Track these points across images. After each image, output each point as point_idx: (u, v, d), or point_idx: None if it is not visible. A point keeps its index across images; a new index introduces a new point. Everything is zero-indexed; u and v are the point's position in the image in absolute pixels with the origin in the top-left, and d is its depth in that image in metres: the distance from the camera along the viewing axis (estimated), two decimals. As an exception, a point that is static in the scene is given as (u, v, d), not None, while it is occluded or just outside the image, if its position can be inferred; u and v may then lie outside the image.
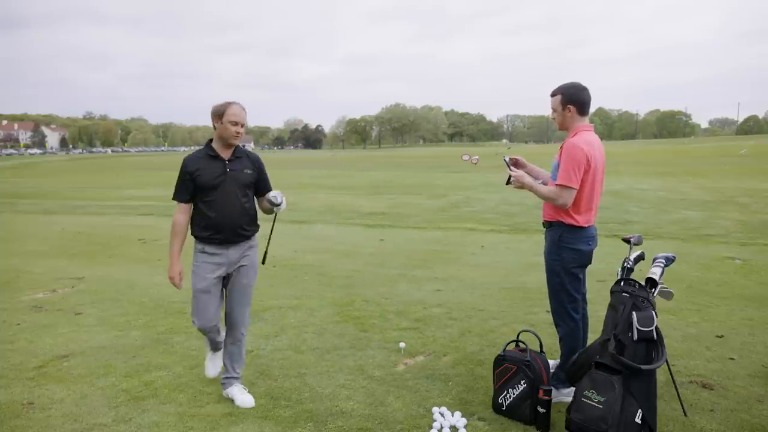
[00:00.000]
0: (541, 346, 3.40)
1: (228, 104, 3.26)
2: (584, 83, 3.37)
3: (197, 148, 3.52)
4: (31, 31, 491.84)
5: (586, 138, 3.29)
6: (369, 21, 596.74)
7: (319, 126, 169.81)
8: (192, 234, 3.33)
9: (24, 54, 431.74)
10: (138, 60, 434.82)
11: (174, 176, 3.36)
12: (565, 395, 3.39)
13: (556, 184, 3.25)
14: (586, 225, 3.32)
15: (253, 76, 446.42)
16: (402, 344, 4.25)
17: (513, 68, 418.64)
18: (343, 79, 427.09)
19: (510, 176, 3.46)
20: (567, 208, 3.26)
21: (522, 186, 3.42)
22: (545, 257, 3.48)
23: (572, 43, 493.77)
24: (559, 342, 3.53)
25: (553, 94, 3.40)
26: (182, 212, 3.33)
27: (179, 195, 3.30)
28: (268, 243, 3.53)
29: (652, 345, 2.90)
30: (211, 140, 3.35)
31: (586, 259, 3.38)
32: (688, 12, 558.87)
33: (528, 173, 3.58)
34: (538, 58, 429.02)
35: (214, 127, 3.28)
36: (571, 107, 3.32)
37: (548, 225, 3.44)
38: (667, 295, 3.26)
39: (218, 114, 3.25)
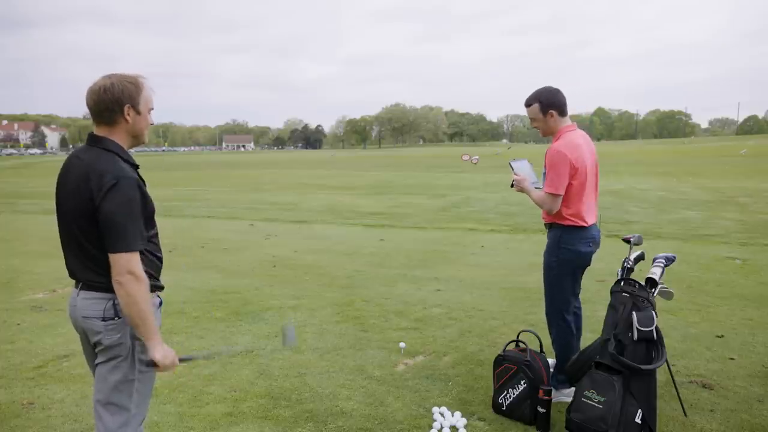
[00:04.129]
0: (541, 346, 3.40)
1: (142, 79, 2.11)
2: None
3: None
4: (35, 32, 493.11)
5: (569, 140, 3.28)
6: (374, 21, 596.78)
7: (319, 126, 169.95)
8: None
9: (28, 54, 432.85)
10: (141, 60, 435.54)
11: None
12: (565, 395, 3.39)
13: (544, 192, 3.28)
14: (584, 225, 3.32)
15: (255, 77, 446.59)
16: (402, 344, 4.25)
17: (516, 68, 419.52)
18: (346, 80, 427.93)
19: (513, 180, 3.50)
20: (560, 211, 3.27)
21: (522, 190, 3.46)
22: (544, 256, 3.49)
23: (577, 43, 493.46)
24: (552, 343, 3.54)
25: (528, 104, 3.35)
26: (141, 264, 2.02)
27: (140, 237, 2.01)
28: None
29: (652, 345, 2.91)
30: (101, 138, 2.07)
31: (584, 261, 3.38)
32: (693, 12, 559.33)
33: None
34: (542, 58, 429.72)
35: (116, 120, 2.06)
36: (553, 111, 3.30)
37: (548, 227, 3.46)
38: (667, 295, 3.26)
39: (131, 96, 2.05)
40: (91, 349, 2.15)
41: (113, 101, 2.03)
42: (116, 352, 2.06)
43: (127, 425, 2.11)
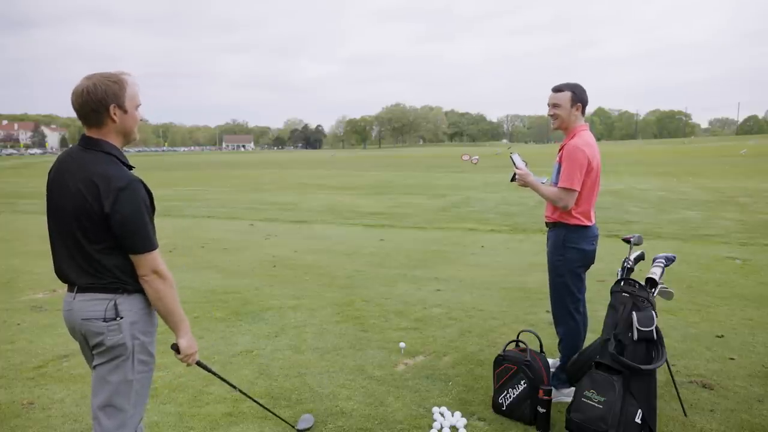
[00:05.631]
0: (541, 346, 3.40)
1: (125, 76, 2.07)
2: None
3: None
4: (36, 32, 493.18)
5: (586, 139, 3.31)
6: (376, 20, 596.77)
7: (319, 126, 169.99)
8: (135, 290, 2.08)
9: (28, 54, 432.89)
10: (141, 60, 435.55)
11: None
12: (565, 395, 3.39)
13: (559, 187, 3.26)
14: (589, 224, 3.34)
15: (255, 77, 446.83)
16: (402, 344, 4.24)
17: (518, 68, 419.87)
18: (347, 80, 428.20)
19: (514, 173, 3.47)
20: (570, 209, 3.27)
21: (525, 184, 3.43)
22: (548, 257, 3.47)
23: (579, 44, 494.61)
24: (560, 342, 3.53)
25: (558, 90, 3.33)
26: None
27: (155, 235, 2.07)
28: None
29: (652, 345, 2.91)
30: (97, 141, 2.05)
31: (589, 259, 3.39)
32: (694, 12, 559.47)
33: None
34: (544, 59, 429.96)
35: (103, 121, 2.03)
36: (580, 105, 3.34)
37: (551, 226, 3.45)
38: (667, 295, 3.26)
39: (115, 95, 2.02)
40: (90, 352, 2.15)
41: (97, 102, 2.00)
42: (118, 353, 2.06)
43: (123, 427, 2.11)
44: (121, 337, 2.05)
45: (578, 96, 3.31)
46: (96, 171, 1.98)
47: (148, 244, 2.01)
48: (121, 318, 2.04)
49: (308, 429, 3.09)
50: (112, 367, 2.08)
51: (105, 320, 2.03)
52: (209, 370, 2.51)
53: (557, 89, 3.34)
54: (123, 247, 2.00)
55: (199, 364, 2.35)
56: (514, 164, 3.51)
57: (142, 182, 2.04)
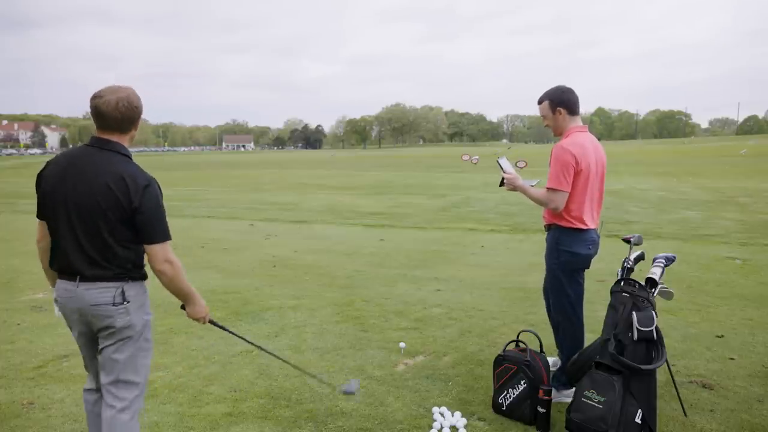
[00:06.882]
0: (541, 346, 3.40)
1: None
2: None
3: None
4: (37, 32, 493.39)
5: (575, 139, 3.25)
6: (379, 21, 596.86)
7: (319, 126, 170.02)
8: (141, 275, 2.36)
9: (29, 54, 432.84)
10: (141, 60, 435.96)
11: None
12: (565, 396, 3.38)
13: (546, 188, 3.24)
14: (583, 227, 3.28)
15: (256, 77, 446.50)
16: (402, 344, 4.24)
17: (519, 68, 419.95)
18: (349, 80, 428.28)
19: (503, 178, 3.46)
20: (561, 211, 3.25)
21: (515, 188, 3.42)
22: (545, 260, 3.47)
23: (580, 44, 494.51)
24: (560, 344, 3.53)
25: (539, 102, 3.38)
26: None
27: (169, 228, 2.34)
28: None
29: (652, 345, 2.91)
30: (115, 143, 2.27)
31: (583, 263, 3.35)
32: (697, 11, 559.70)
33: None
34: (545, 59, 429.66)
35: (130, 129, 2.33)
36: (561, 109, 3.30)
37: (547, 228, 3.44)
38: (667, 295, 3.26)
39: (140, 112, 2.33)
40: (91, 335, 2.34)
41: (137, 113, 2.29)
42: (127, 333, 2.30)
43: (139, 397, 2.40)
44: (129, 318, 2.28)
45: (555, 101, 3.31)
46: (124, 170, 2.21)
47: (167, 234, 2.27)
48: (128, 302, 2.27)
49: (351, 393, 3.18)
50: (119, 346, 2.30)
51: (114, 304, 2.24)
52: (224, 329, 2.86)
53: (539, 101, 3.39)
54: (143, 239, 2.24)
55: (212, 322, 2.65)
56: (502, 169, 3.48)
57: (157, 182, 2.31)
